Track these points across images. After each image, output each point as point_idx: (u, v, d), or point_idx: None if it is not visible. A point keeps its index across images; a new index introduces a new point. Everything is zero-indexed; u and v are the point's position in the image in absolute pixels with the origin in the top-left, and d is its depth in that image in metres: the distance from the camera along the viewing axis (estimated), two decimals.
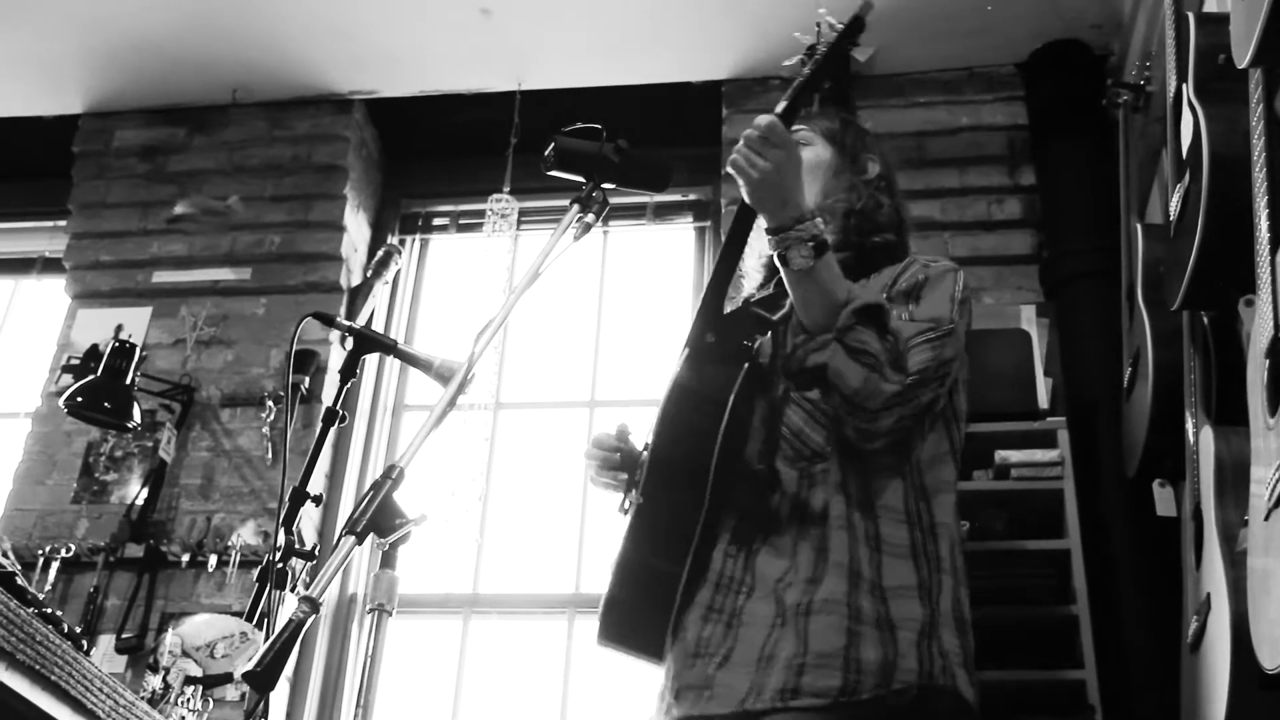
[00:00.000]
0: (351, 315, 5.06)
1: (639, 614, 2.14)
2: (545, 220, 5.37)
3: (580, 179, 2.31)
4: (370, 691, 1.80)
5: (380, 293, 5.18)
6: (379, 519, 1.86)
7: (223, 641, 4.29)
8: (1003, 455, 3.66)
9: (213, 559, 4.51)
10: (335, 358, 4.98)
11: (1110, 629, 3.57)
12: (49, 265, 5.72)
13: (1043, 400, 3.79)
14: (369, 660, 1.82)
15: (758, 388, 2.17)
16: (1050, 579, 3.51)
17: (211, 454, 4.80)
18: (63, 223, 5.56)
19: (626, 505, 2.28)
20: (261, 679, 1.67)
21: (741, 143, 2.07)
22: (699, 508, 2.08)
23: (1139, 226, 3.60)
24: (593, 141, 2.32)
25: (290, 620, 1.72)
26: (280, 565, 2.47)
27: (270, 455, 4.74)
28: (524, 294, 2.23)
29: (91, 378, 4.42)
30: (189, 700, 3.90)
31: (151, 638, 4.39)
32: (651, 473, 2.16)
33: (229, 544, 4.53)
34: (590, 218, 2.29)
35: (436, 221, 5.61)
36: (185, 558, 4.52)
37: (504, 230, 5.05)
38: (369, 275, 5.16)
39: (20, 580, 2.84)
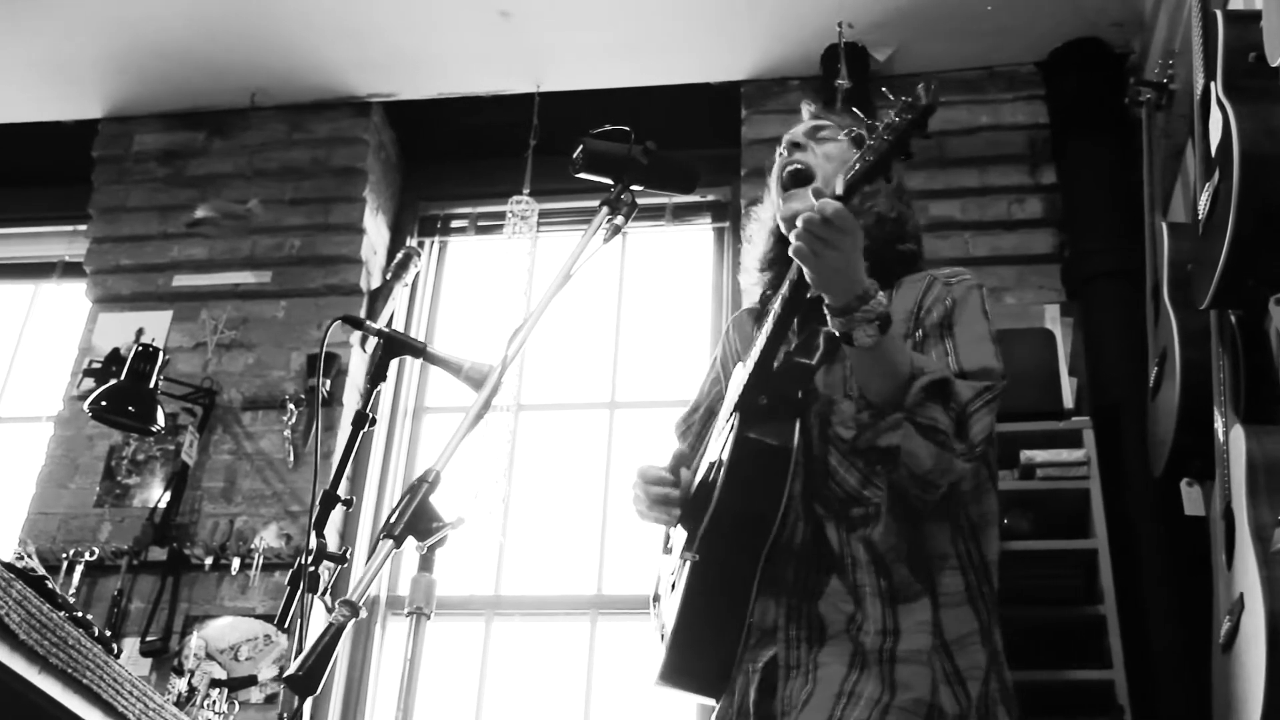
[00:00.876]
0: (371, 318, 4.98)
1: (701, 661, 2.18)
2: (565, 222, 5.38)
3: (608, 181, 2.31)
4: (410, 694, 1.80)
5: (400, 295, 5.18)
6: (416, 523, 1.87)
7: (247, 644, 4.31)
8: (1028, 455, 3.65)
9: (236, 562, 4.51)
10: (356, 361, 4.99)
11: (1137, 628, 3.56)
12: (69, 269, 5.73)
13: (1068, 400, 3.78)
14: (408, 663, 1.83)
15: (802, 433, 2.18)
16: (1077, 579, 3.50)
17: (233, 457, 4.81)
18: (82, 227, 5.58)
19: (683, 556, 2.27)
20: (303, 683, 1.68)
21: (801, 225, 1.97)
22: (757, 561, 2.11)
23: (1164, 225, 3.59)
24: (621, 143, 2.32)
25: (330, 624, 1.73)
26: (312, 569, 2.46)
27: (292, 458, 4.74)
28: (555, 296, 2.22)
29: (115, 382, 4.43)
30: (214, 703, 3.91)
31: (175, 640, 4.41)
32: (712, 528, 2.16)
33: (252, 547, 4.53)
34: (619, 219, 2.30)
35: (455, 223, 5.62)
36: (208, 561, 4.53)
37: (524, 232, 5.05)
38: (389, 278, 5.13)
39: (50, 584, 2.86)
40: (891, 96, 2.03)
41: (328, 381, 4.84)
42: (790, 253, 2.03)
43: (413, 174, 5.66)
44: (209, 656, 4.35)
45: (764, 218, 2.57)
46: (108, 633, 3.07)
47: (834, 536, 2.10)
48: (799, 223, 1.99)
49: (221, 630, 4.40)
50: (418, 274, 5.26)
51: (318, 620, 1.77)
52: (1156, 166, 3.95)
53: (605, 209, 2.28)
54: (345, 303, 5.10)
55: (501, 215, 5.29)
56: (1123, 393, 3.97)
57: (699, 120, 5.13)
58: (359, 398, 5.03)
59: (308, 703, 4.31)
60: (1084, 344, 4.15)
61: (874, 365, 2.05)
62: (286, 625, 2.51)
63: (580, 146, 2.33)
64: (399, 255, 5.11)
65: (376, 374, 2.65)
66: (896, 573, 2.06)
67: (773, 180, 2.50)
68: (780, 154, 2.47)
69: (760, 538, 2.11)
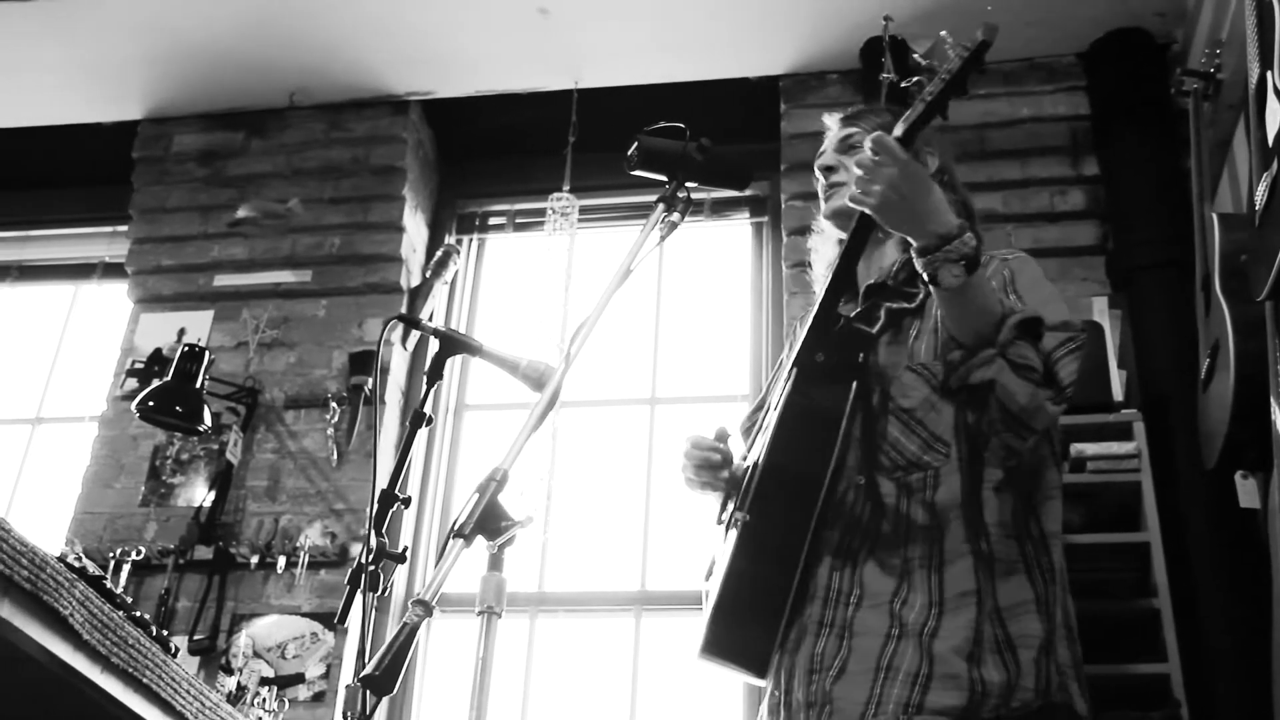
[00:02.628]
0: (412, 316, 5.07)
1: (745, 629, 2.13)
2: (603, 218, 5.38)
3: (663, 178, 2.30)
4: (484, 693, 1.80)
5: (440, 292, 5.20)
6: (486, 522, 1.87)
7: (294, 642, 4.33)
8: (1079, 448, 3.64)
9: (281, 560, 4.53)
10: (398, 359, 5.00)
11: (1191, 622, 3.54)
12: (109, 270, 5.76)
13: (1117, 393, 3.77)
14: (481, 662, 1.83)
15: (859, 403, 2.17)
16: (1130, 572, 3.49)
17: (277, 456, 4.83)
18: (122, 228, 5.61)
19: (732, 518, 2.26)
20: (380, 682, 1.69)
21: (854, 165, 2.03)
22: (808, 521, 2.08)
23: (1214, 216, 3.56)
24: (676, 140, 2.31)
25: (405, 624, 1.73)
26: (373, 568, 2.47)
27: (335, 457, 4.76)
28: (615, 292, 2.22)
29: (162, 382, 4.45)
30: (264, 701, 3.93)
31: (223, 639, 4.42)
32: (762, 485, 2.15)
33: (297, 545, 4.55)
34: (675, 217, 2.29)
35: (493, 221, 5.62)
36: (254, 559, 4.55)
37: (565, 229, 5.06)
38: (428, 275, 5.18)
39: (108, 584, 2.87)
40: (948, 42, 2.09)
41: (369, 380, 4.85)
42: (850, 200, 2.06)
43: (449, 171, 5.67)
44: (256, 655, 4.37)
45: (824, 228, 2.55)
46: (165, 632, 3.09)
47: (891, 504, 2.08)
48: (856, 168, 2.02)
49: (268, 628, 4.42)
50: (456, 271, 5.27)
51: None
52: (1204, 157, 3.92)
53: (661, 206, 2.26)
54: (385, 301, 5.11)
55: (539, 212, 5.30)
56: (1172, 385, 3.95)
57: (737, 115, 5.12)
58: (400, 395, 5.04)
59: (384, 701, 4.34)
60: (1132, 336, 4.13)
61: (963, 306, 2.01)
62: (345, 623, 2.51)
63: (635, 143, 2.31)
64: (438, 253, 5.20)
65: (433, 373, 2.64)
66: (950, 536, 2.04)
67: (821, 194, 2.50)
68: (818, 181, 2.46)
69: (809, 501, 2.08)
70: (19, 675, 2.56)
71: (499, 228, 5.60)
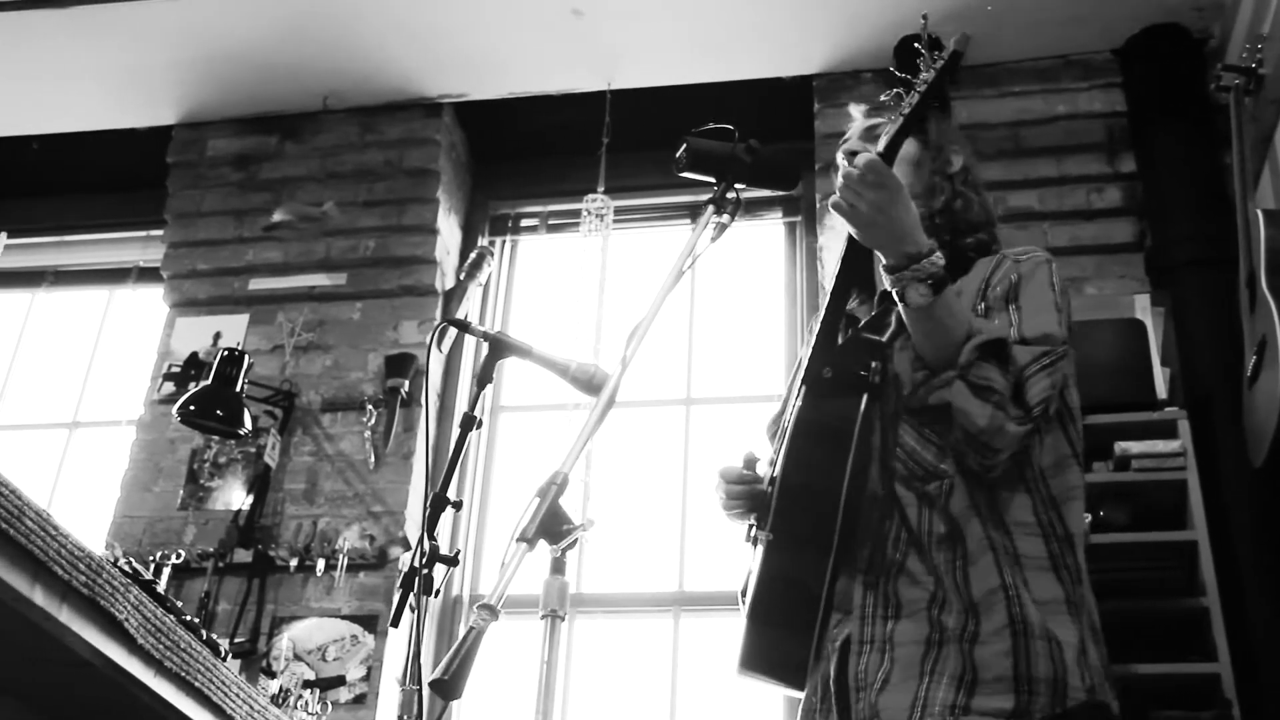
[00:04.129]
0: (446, 318, 5.08)
1: (780, 644, 2.14)
2: (637, 219, 5.39)
3: (711, 180, 2.30)
4: (549, 696, 1.80)
5: (474, 295, 5.20)
6: (548, 526, 1.87)
7: (334, 644, 4.35)
8: (1123, 446, 3.62)
9: (320, 563, 4.54)
10: (434, 362, 5.01)
11: (1239, 621, 3.52)
12: (144, 274, 5.79)
13: (1161, 390, 3.74)
14: (546, 665, 1.83)
15: (876, 413, 2.16)
16: (1176, 571, 3.47)
17: (314, 459, 4.85)
18: (157, 232, 5.63)
19: (756, 538, 2.26)
20: (448, 687, 1.68)
21: (840, 181, 2.03)
22: (830, 535, 2.07)
23: (1259, 212, 3.54)
24: (724, 142, 2.30)
25: (471, 628, 1.73)
26: (426, 571, 2.47)
27: (372, 459, 4.77)
28: (668, 294, 2.21)
29: (203, 386, 4.47)
30: (307, 704, 3.94)
31: (263, 641, 4.44)
32: (781, 503, 2.15)
33: (336, 548, 4.56)
34: (725, 218, 2.28)
35: (525, 222, 5.63)
36: (293, 562, 4.56)
37: (600, 230, 5.06)
38: (462, 278, 5.19)
39: (159, 588, 2.89)
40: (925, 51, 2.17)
41: (405, 382, 4.86)
42: (830, 205, 2.07)
43: (482, 173, 5.68)
44: (297, 657, 4.38)
45: (837, 225, 2.54)
46: (216, 636, 3.11)
47: (914, 515, 2.07)
48: (838, 178, 2.05)
49: (308, 631, 4.43)
50: (490, 273, 5.28)
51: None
52: (1246, 152, 3.90)
53: (711, 208, 2.26)
54: (420, 303, 5.12)
55: (571, 214, 5.31)
56: (1216, 382, 3.92)
57: (771, 115, 5.11)
58: (435, 398, 5.05)
59: (386, 699, 4.32)
60: (1174, 333, 4.10)
61: (928, 326, 2.02)
62: (398, 626, 2.51)
63: (683, 145, 2.30)
64: (472, 255, 5.20)
65: (483, 376, 2.63)
66: (970, 537, 2.02)
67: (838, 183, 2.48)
68: (841, 163, 2.45)
69: (829, 515, 2.06)
70: (74, 679, 2.58)
71: (531, 229, 5.60)
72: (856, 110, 2.51)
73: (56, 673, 2.56)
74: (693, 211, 5.45)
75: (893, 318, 2.18)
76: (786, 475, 2.14)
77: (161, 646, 2.64)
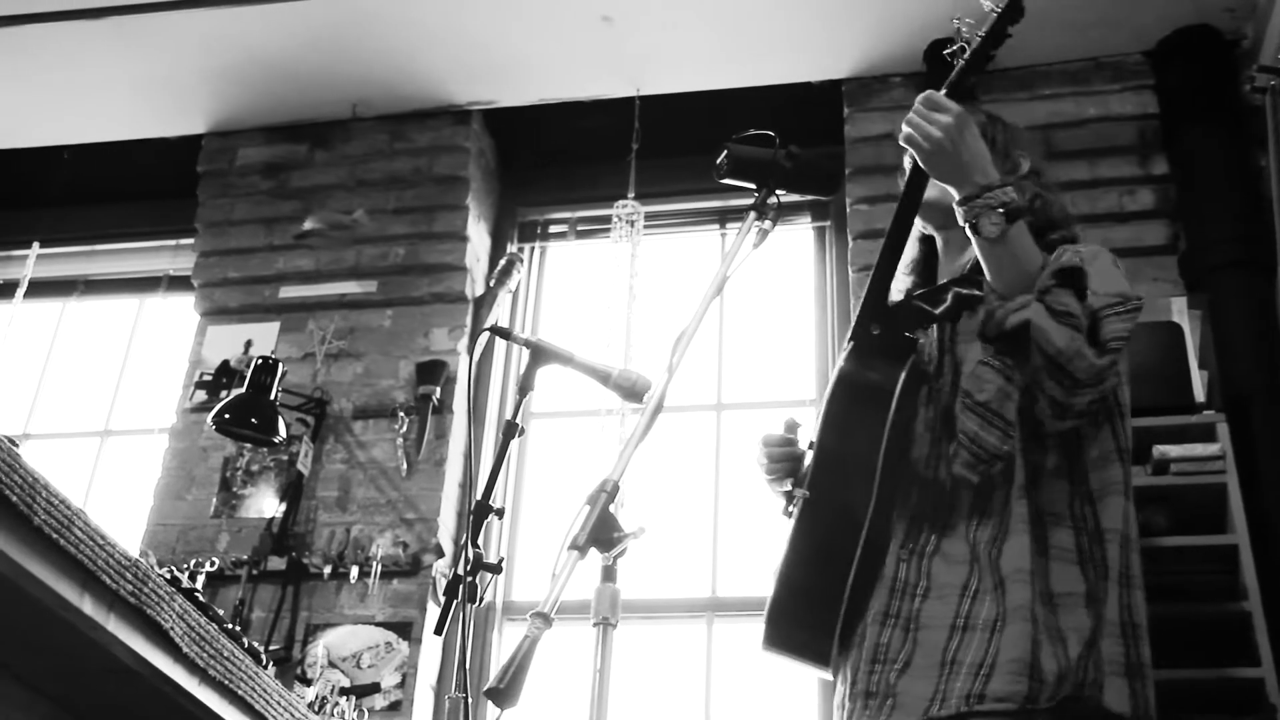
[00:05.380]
0: (477, 325, 5.10)
1: (806, 619, 2.13)
2: (667, 225, 5.38)
3: (751, 186, 2.30)
4: (602, 705, 1.80)
5: (504, 301, 5.21)
6: (599, 533, 1.88)
7: (368, 652, 4.36)
8: (1161, 450, 3.60)
9: (354, 570, 4.55)
10: (464, 369, 5.01)
11: (1278, 626, 3.49)
12: (174, 283, 5.81)
13: (1199, 393, 3.72)
14: (598, 674, 1.83)
15: (920, 386, 2.16)
16: (1218, 575, 3.45)
17: (346, 466, 4.86)
18: (186, 241, 5.66)
19: (793, 504, 2.25)
20: (504, 695, 1.69)
21: (910, 114, 2.09)
22: (866, 504, 2.07)
23: None
24: (765, 148, 2.30)
25: (526, 637, 1.74)
26: (471, 579, 2.47)
27: (405, 466, 4.77)
28: (712, 301, 2.22)
29: (237, 394, 4.48)
30: (344, 711, 3.94)
31: (298, 649, 4.45)
32: (818, 468, 2.16)
33: (369, 555, 4.57)
34: (767, 224, 2.28)
35: (554, 229, 5.63)
36: (327, 569, 4.57)
37: (630, 236, 5.06)
38: (492, 284, 5.19)
39: (201, 596, 2.90)
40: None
41: (437, 389, 4.87)
42: (901, 140, 2.10)
43: (510, 180, 5.69)
44: (331, 664, 4.39)
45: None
46: (257, 644, 3.12)
47: (968, 497, 2.07)
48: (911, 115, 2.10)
49: (343, 638, 4.44)
50: (519, 279, 5.28)
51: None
52: None
53: (753, 214, 2.26)
54: (450, 310, 5.13)
55: (601, 219, 5.31)
56: (1255, 384, 3.90)
57: (800, 119, 5.11)
58: (466, 404, 5.05)
59: (421, 704, 4.32)
60: (1211, 336, 4.08)
61: (1003, 257, 2.04)
62: (443, 633, 2.52)
63: (724, 152, 2.31)
64: (502, 261, 5.21)
65: (525, 383, 2.65)
66: (1014, 516, 2.03)
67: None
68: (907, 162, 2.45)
69: (866, 477, 2.07)
70: (118, 686, 2.59)
71: (560, 236, 5.60)
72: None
73: (101, 681, 2.57)
74: (721, 217, 5.46)
75: (949, 296, 2.18)
76: (825, 434, 2.16)
77: (205, 655, 2.65)
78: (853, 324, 2.21)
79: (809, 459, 2.29)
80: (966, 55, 2.16)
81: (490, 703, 1.69)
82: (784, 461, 2.36)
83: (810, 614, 2.12)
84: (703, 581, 4.68)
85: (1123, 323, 2.03)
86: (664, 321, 5.18)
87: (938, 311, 2.22)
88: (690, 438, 5.06)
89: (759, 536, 4.69)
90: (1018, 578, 1.98)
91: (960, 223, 2.06)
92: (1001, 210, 2.00)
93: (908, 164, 2.44)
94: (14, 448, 2.07)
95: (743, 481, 4.88)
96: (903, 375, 2.11)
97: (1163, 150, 4.71)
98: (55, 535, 2.14)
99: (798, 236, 5.39)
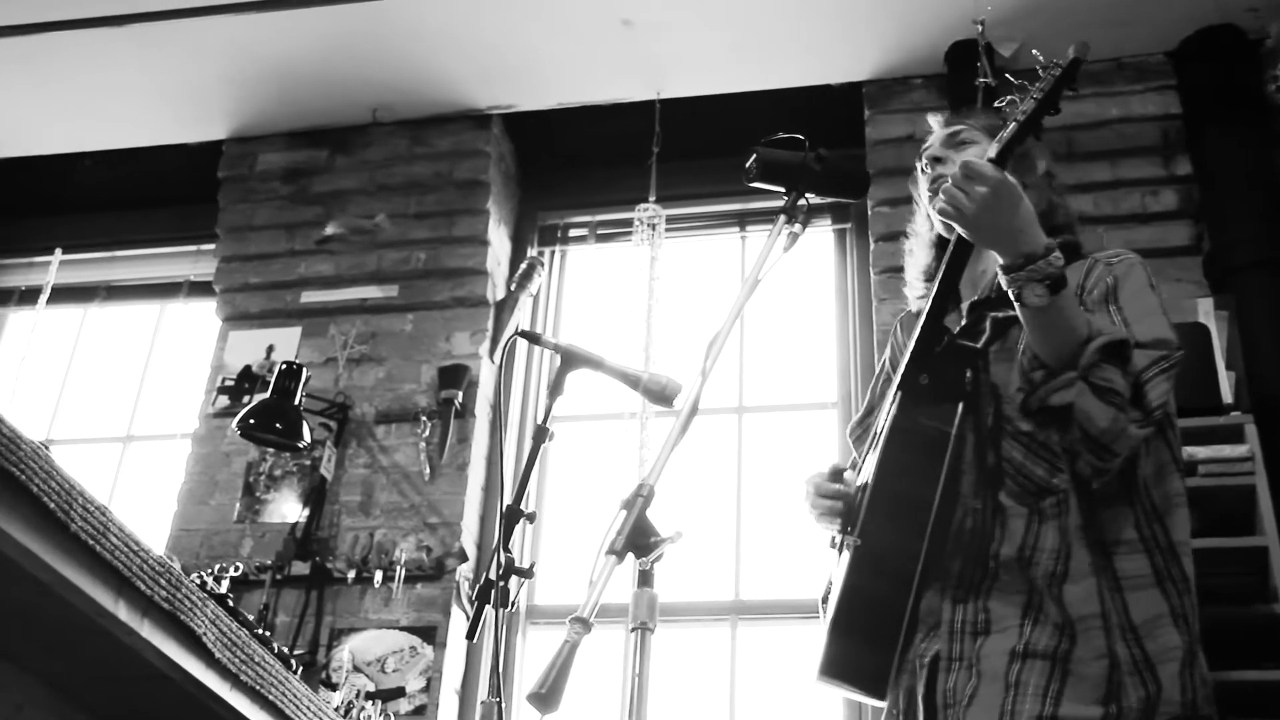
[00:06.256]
0: (498, 329, 5.10)
1: (862, 651, 2.13)
2: (687, 227, 5.38)
3: (780, 189, 2.29)
4: (641, 710, 1.80)
5: (524, 305, 5.21)
6: (636, 538, 1.88)
7: (393, 656, 4.36)
8: (1189, 452, 3.58)
9: (378, 575, 4.55)
10: (486, 373, 5.02)
11: None
12: (194, 289, 5.83)
13: (1226, 395, 3.71)
14: (637, 678, 1.83)
15: (970, 424, 2.15)
16: (1248, 577, 3.44)
17: (369, 470, 4.86)
18: (207, 247, 5.68)
19: (845, 543, 2.25)
20: (546, 700, 1.69)
21: (948, 183, 2.03)
22: (920, 543, 2.06)
23: None
24: (795, 151, 2.30)
25: (566, 641, 1.73)
26: (503, 584, 2.47)
27: (428, 471, 4.78)
28: (745, 304, 2.22)
29: (261, 399, 4.49)
30: (370, 716, 3.95)
31: (322, 653, 4.45)
32: (872, 508, 2.14)
33: (393, 559, 4.57)
34: (797, 228, 2.28)
35: (574, 232, 5.63)
36: (350, 574, 4.58)
37: (652, 239, 5.06)
38: (513, 289, 5.20)
39: (232, 602, 2.90)
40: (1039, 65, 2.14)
41: (459, 393, 4.88)
42: (935, 210, 2.07)
43: (530, 184, 5.69)
44: (356, 669, 4.39)
45: (920, 231, 2.53)
46: (286, 649, 3.12)
47: (1019, 529, 2.05)
48: (946, 184, 2.04)
49: (367, 642, 4.45)
50: (540, 283, 5.28)
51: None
52: None
53: (783, 218, 2.25)
54: (472, 315, 5.13)
55: (620, 223, 5.33)
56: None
57: (821, 122, 5.10)
58: (489, 408, 5.06)
59: (446, 708, 4.32)
60: (1238, 337, 4.06)
61: (1047, 327, 2.00)
62: (474, 638, 2.52)
63: (753, 156, 2.30)
64: (523, 265, 5.21)
65: (555, 387, 2.65)
66: (1075, 557, 2.00)
67: (920, 194, 2.47)
68: (923, 171, 2.43)
69: (920, 523, 2.06)
70: (150, 692, 2.59)
71: (580, 239, 5.60)
72: (934, 119, 2.49)
73: (134, 686, 2.57)
74: (741, 219, 5.45)
75: (986, 324, 2.17)
76: (879, 482, 2.14)
77: (237, 660, 2.65)
78: (900, 373, 2.20)
79: (856, 492, 2.28)
80: (1018, 117, 2.09)
81: (530, 707, 1.68)
82: (834, 504, 2.34)
83: (867, 652, 2.12)
84: (726, 584, 4.68)
85: (1167, 383, 2.01)
86: (685, 324, 5.17)
87: (980, 344, 2.21)
88: (712, 441, 5.05)
89: (782, 539, 4.69)
90: (1091, 624, 1.97)
91: (1004, 288, 2.03)
92: (1046, 282, 1.96)
93: (921, 193, 2.44)
94: (49, 453, 2.07)
95: (765, 484, 4.88)
96: (955, 421, 2.11)
97: (1185, 150, 4.70)
98: (91, 541, 2.14)
99: (818, 239, 5.39)
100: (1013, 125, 2.08)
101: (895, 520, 2.11)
